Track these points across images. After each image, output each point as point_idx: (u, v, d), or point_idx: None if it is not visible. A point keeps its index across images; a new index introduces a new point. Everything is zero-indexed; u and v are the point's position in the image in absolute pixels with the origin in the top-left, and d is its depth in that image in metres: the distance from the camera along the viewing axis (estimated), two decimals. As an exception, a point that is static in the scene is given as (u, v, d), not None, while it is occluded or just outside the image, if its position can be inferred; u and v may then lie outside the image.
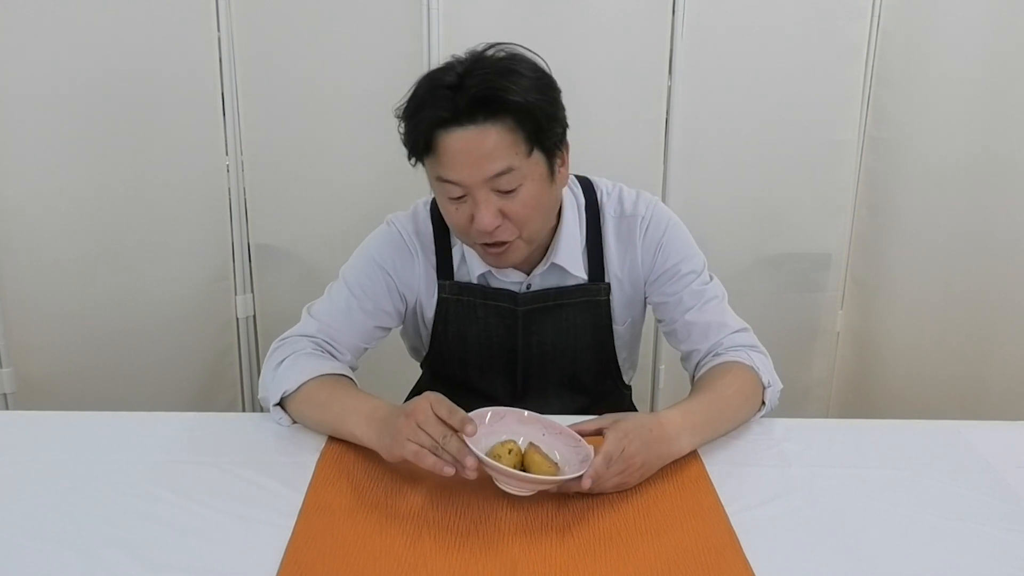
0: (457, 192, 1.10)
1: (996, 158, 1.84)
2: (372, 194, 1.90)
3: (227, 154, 1.92)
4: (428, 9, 1.77)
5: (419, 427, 0.97)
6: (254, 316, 2.06)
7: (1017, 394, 1.90)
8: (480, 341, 1.29)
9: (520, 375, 1.32)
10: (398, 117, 1.12)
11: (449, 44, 1.76)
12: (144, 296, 1.85)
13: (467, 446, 0.95)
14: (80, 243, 1.74)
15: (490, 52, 1.08)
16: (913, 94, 1.88)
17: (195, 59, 1.82)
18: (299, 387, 1.14)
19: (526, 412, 1.05)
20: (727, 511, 0.97)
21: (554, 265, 1.24)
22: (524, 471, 0.96)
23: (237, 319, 2.03)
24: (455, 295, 1.27)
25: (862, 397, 2.11)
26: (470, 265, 1.25)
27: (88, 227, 1.75)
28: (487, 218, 1.09)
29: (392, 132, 1.96)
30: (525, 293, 1.25)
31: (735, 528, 0.94)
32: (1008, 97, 1.80)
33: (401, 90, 1.91)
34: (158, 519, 0.95)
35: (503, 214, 1.10)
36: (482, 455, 0.94)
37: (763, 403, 1.19)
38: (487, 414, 1.03)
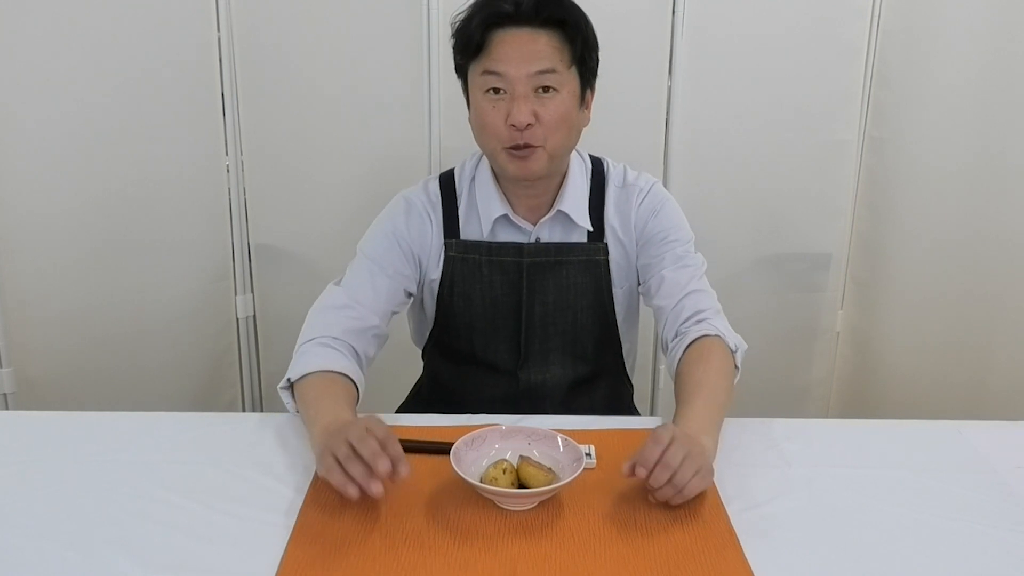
0: (498, 83, 1.18)
1: (996, 158, 1.84)
2: (372, 194, 1.89)
3: (227, 154, 1.92)
4: (428, 9, 1.77)
5: (346, 440, 0.94)
6: (254, 316, 2.06)
7: (1017, 394, 1.90)
8: (484, 302, 1.33)
9: (523, 338, 1.34)
10: (453, 26, 1.22)
11: (449, 44, 1.76)
12: (144, 296, 1.85)
13: (371, 473, 0.91)
14: (80, 243, 1.74)
15: None
16: (913, 94, 1.88)
17: (195, 59, 1.82)
18: (301, 377, 1.18)
19: (503, 425, 1.06)
20: (727, 511, 0.97)
21: (560, 214, 1.31)
22: (522, 486, 0.97)
23: (237, 319, 2.03)
24: (461, 253, 1.32)
25: (862, 397, 2.11)
26: (483, 211, 1.31)
27: (88, 226, 1.74)
28: (523, 113, 1.17)
29: (392, 132, 1.97)
30: (530, 245, 1.32)
31: (735, 528, 0.94)
32: (1008, 97, 1.80)
33: (401, 90, 1.91)
34: (158, 519, 0.95)
35: (536, 116, 1.18)
36: (478, 483, 0.95)
37: (736, 367, 1.23)
38: (469, 440, 1.03)
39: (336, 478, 0.93)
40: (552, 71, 1.17)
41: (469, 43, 1.19)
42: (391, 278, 1.30)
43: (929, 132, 1.88)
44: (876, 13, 1.84)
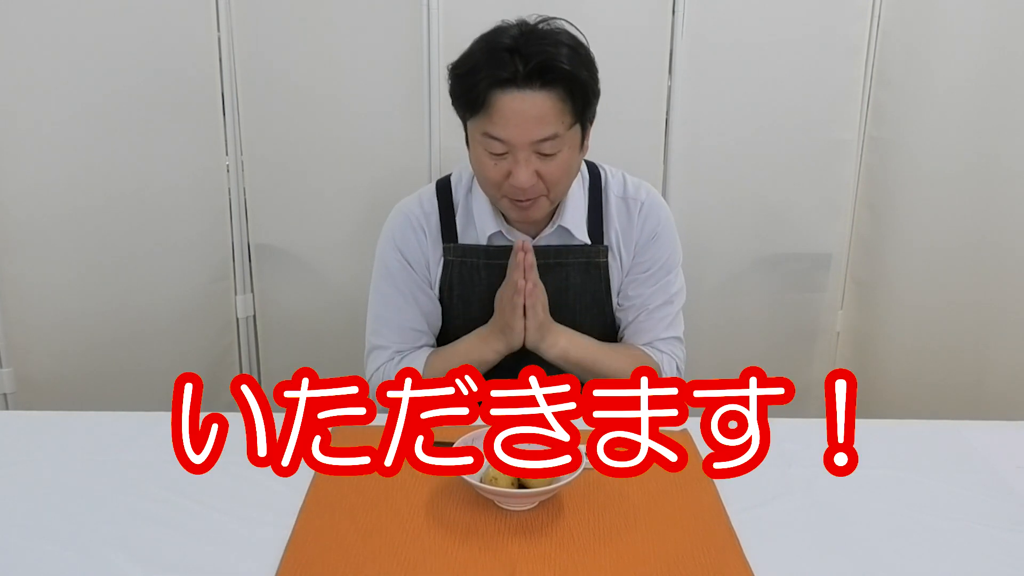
0: (500, 149, 1.18)
1: (996, 158, 1.84)
2: (372, 194, 1.90)
3: (227, 154, 1.92)
4: (428, 9, 1.77)
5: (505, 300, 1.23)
6: (254, 316, 2.06)
7: (1017, 394, 1.90)
8: (483, 304, 1.34)
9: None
10: (450, 71, 1.21)
11: (449, 44, 1.76)
12: (144, 296, 1.85)
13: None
14: (80, 243, 1.74)
15: (541, 25, 1.18)
16: (913, 94, 1.87)
17: (195, 59, 1.82)
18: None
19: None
20: (727, 511, 0.97)
21: (560, 228, 1.32)
22: (522, 487, 0.97)
23: (237, 319, 2.03)
24: (459, 257, 1.34)
25: (862, 397, 2.10)
26: (479, 226, 1.33)
27: (87, 227, 1.74)
28: (525, 177, 1.18)
29: (392, 132, 1.96)
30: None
31: (735, 528, 0.94)
32: (1008, 97, 1.80)
33: (401, 90, 1.91)
34: (158, 519, 0.95)
35: (538, 174, 1.19)
36: (478, 483, 0.95)
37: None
38: (470, 440, 1.02)
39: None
40: (553, 137, 1.17)
41: (470, 102, 1.18)
42: (411, 297, 1.36)
43: (929, 132, 1.88)
44: (876, 13, 1.84)
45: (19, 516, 0.95)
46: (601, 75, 1.26)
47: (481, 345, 1.30)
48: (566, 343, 1.30)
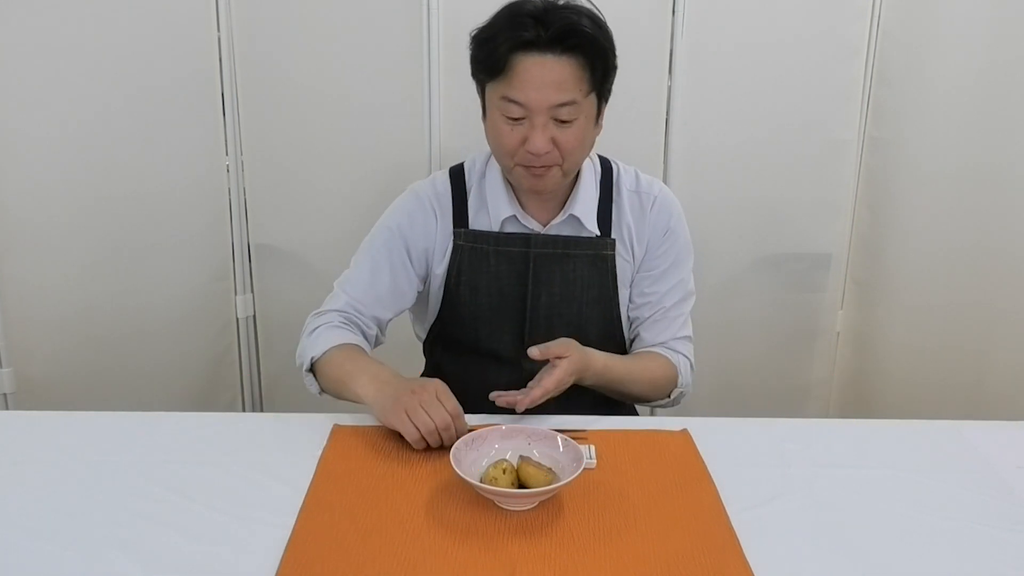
0: (518, 113, 1.19)
1: (996, 158, 1.84)
2: (372, 194, 1.89)
3: (227, 154, 1.92)
4: (428, 9, 1.77)
5: (421, 407, 1.08)
6: (254, 316, 2.06)
7: (1017, 394, 1.90)
8: (491, 291, 1.34)
9: (528, 327, 1.35)
10: (472, 37, 1.21)
11: (449, 44, 1.76)
12: (144, 296, 1.85)
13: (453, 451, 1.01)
14: (80, 243, 1.74)
15: (562, 1, 1.19)
16: (913, 94, 1.87)
17: (195, 59, 1.82)
18: (324, 352, 1.25)
19: (504, 425, 1.07)
20: (727, 511, 0.97)
21: (571, 217, 1.33)
22: (522, 486, 0.97)
23: (237, 319, 2.03)
24: (469, 242, 1.34)
25: (862, 397, 2.11)
26: (492, 210, 1.33)
27: (88, 227, 1.74)
28: (541, 142, 1.19)
29: (392, 132, 1.96)
30: (538, 235, 1.33)
31: (735, 528, 0.94)
32: (1008, 97, 1.80)
33: (401, 90, 1.92)
34: (158, 519, 0.95)
35: (554, 141, 1.20)
36: (478, 483, 0.95)
37: (669, 396, 1.37)
38: (470, 439, 1.04)
39: (416, 440, 1.08)
40: (571, 103, 1.18)
41: (491, 64, 1.19)
42: (391, 276, 1.34)
43: (929, 132, 1.88)
44: (876, 13, 1.84)
45: (19, 516, 0.95)
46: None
47: (366, 382, 1.18)
48: (602, 363, 1.28)
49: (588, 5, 1.21)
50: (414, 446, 1.08)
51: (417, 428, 1.07)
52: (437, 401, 1.09)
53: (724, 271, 1.97)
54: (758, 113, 1.89)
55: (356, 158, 1.90)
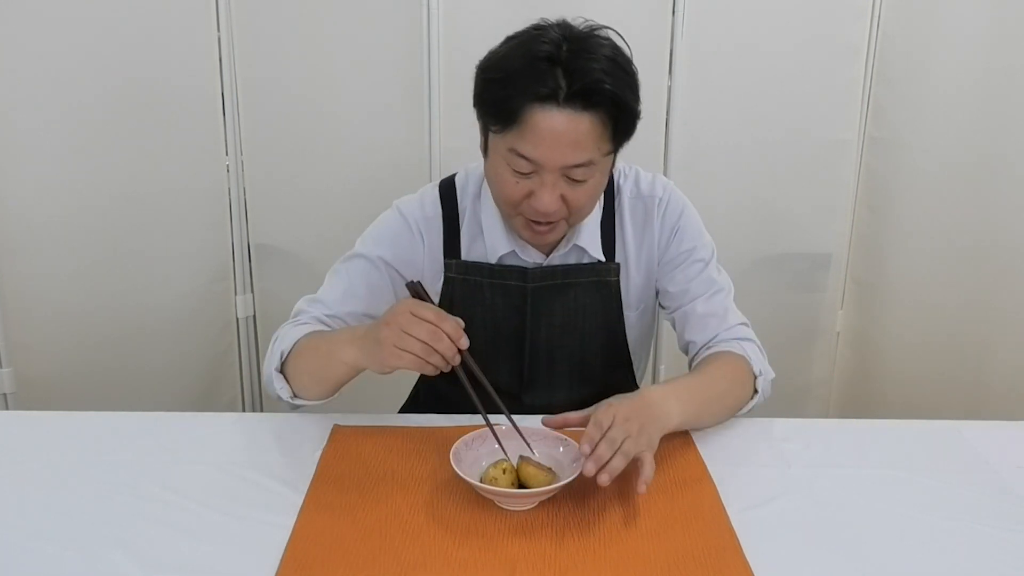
0: (527, 168, 1.07)
1: (996, 157, 1.84)
2: (372, 194, 1.89)
3: (227, 154, 1.92)
4: (428, 9, 1.77)
5: (404, 332, 0.97)
6: (254, 316, 2.06)
7: (1017, 394, 1.90)
8: (486, 324, 1.26)
9: (527, 361, 1.28)
10: (479, 72, 1.08)
11: (449, 44, 1.76)
12: (144, 296, 1.85)
13: (458, 350, 0.98)
14: (80, 243, 1.74)
15: (582, 25, 1.06)
16: (913, 94, 1.88)
17: (195, 59, 1.82)
18: (294, 345, 1.15)
19: (504, 426, 1.06)
20: (727, 511, 0.97)
21: (575, 247, 1.23)
22: (522, 486, 0.97)
23: (237, 319, 2.03)
24: (461, 275, 1.25)
25: (862, 397, 2.11)
26: (489, 243, 1.22)
27: (88, 227, 1.74)
28: (549, 201, 1.07)
29: (392, 132, 1.96)
30: (535, 270, 1.23)
31: (735, 528, 0.94)
32: (1008, 97, 1.80)
33: (401, 91, 1.90)
34: (158, 519, 0.95)
35: (563, 198, 1.09)
36: (478, 483, 0.95)
37: (756, 391, 1.20)
38: (470, 439, 1.03)
39: (423, 367, 0.97)
40: (588, 163, 1.06)
41: (501, 114, 1.04)
42: (364, 302, 1.23)
43: (929, 132, 1.88)
44: (876, 13, 1.84)
45: (19, 516, 0.95)
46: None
47: (347, 347, 1.07)
48: (676, 404, 1.07)
49: (612, 36, 1.08)
50: (429, 373, 0.98)
51: (416, 355, 0.97)
52: (415, 318, 0.97)
53: (724, 271, 1.97)
54: (758, 113, 1.89)
55: (356, 158, 1.90)
